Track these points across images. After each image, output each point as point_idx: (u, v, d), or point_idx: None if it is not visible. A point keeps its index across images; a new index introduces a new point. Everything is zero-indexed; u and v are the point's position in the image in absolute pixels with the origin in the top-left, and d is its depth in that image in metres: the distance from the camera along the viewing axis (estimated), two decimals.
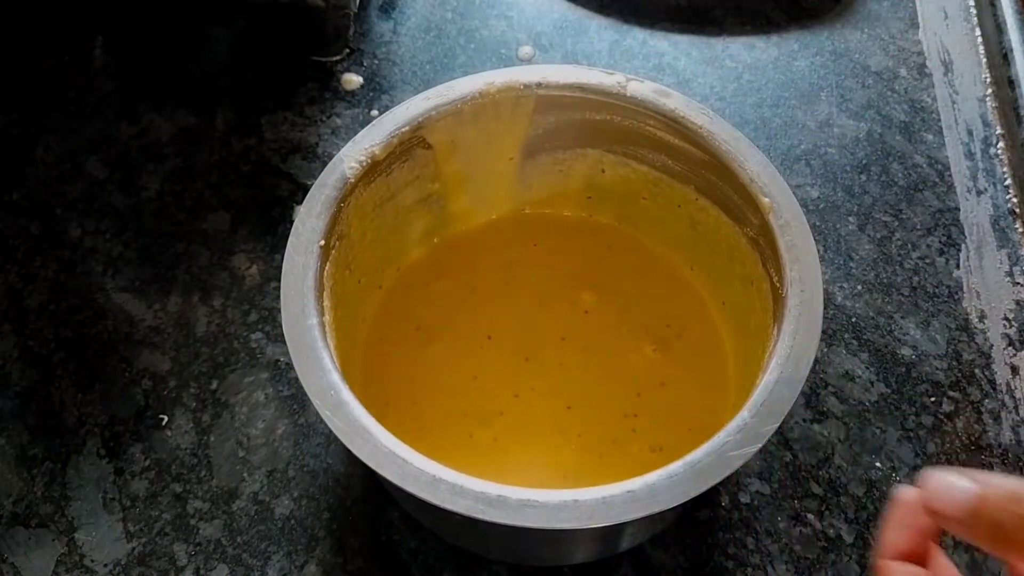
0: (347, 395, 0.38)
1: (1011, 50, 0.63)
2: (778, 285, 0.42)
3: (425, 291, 0.49)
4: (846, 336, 0.53)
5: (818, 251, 0.56)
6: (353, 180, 0.44)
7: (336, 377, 0.39)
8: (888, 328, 0.53)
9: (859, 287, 0.55)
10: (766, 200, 0.43)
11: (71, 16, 0.64)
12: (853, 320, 0.53)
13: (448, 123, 0.46)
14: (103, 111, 0.60)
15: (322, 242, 0.42)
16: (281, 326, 0.40)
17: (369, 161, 0.45)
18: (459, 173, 0.48)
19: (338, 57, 0.63)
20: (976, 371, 0.52)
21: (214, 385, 0.50)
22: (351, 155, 0.45)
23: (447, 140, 0.47)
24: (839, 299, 0.54)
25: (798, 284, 0.41)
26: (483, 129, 0.47)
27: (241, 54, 0.63)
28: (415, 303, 0.49)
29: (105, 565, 0.45)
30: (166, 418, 0.49)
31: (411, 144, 0.46)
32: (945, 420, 0.50)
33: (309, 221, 0.43)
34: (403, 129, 0.45)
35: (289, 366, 0.50)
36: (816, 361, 0.52)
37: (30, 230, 0.56)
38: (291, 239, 0.42)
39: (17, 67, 0.62)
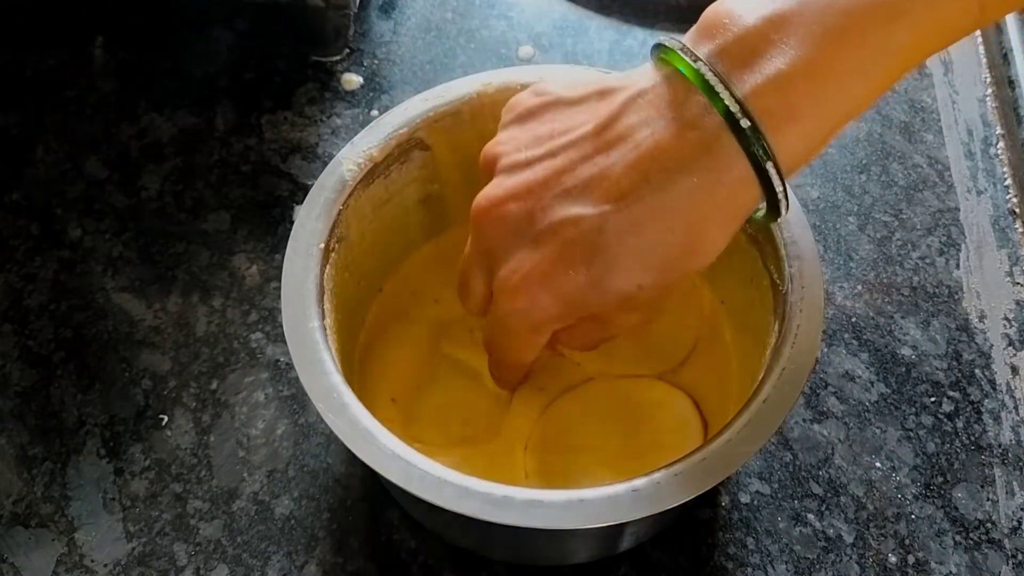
0: (350, 398, 0.38)
1: (1011, 50, 0.63)
2: (778, 282, 0.42)
3: (425, 293, 0.49)
4: (846, 336, 0.53)
5: (818, 251, 0.56)
6: (352, 182, 0.44)
7: (338, 380, 0.39)
8: (888, 328, 0.53)
9: (859, 287, 0.55)
10: None
11: (71, 16, 0.64)
12: (853, 320, 0.53)
13: (446, 124, 0.46)
14: (103, 111, 0.60)
15: (322, 245, 0.42)
16: (281, 326, 0.41)
17: (368, 163, 0.45)
18: (458, 174, 0.48)
19: (338, 57, 0.63)
20: (976, 371, 0.52)
21: (214, 385, 0.50)
22: (349, 157, 0.44)
23: (445, 141, 0.47)
24: (839, 299, 0.54)
25: (799, 280, 0.41)
26: (481, 130, 0.47)
27: (241, 54, 0.63)
28: (415, 305, 0.49)
29: (105, 565, 0.45)
30: (166, 418, 0.49)
31: (409, 146, 0.46)
32: (945, 420, 0.50)
33: (308, 224, 0.43)
34: (401, 131, 0.45)
35: (289, 366, 0.50)
36: (816, 361, 0.52)
37: (30, 230, 0.56)
38: (291, 242, 0.42)
39: (17, 67, 0.62)
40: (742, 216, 0.36)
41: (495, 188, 0.38)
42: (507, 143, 0.39)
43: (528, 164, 0.37)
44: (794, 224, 0.43)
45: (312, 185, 0.44)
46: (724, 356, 0.48)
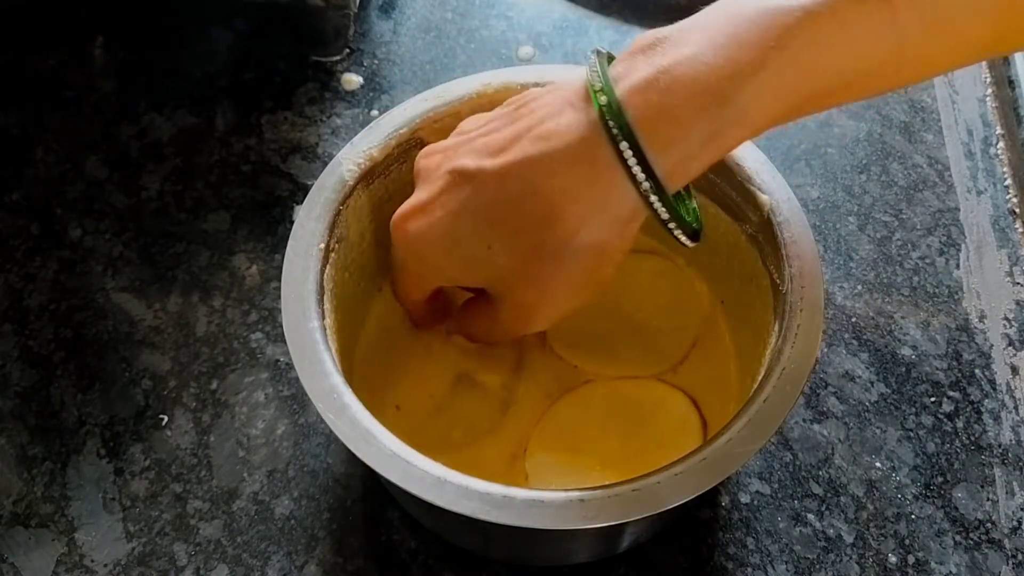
0: (350, 398, 0.38)
1: None
2: (778, 281, 0.42)
3: None
4: (846, 336, 0.53)
5: (818, 251, 0.56)
6: (351, 183, 0.44)
7: (339, 380, 0.39)
8: (888, 328, 0.53)
9: (859, 287, 0.55)
10: (765, 197, 0.43)
11: (71, 16, 0.64)
12: (853, 320, 0.53)
13: (446, 124, 0.46)
14: (103, 111, 0.60)
15: (322, 245, 0.42)
16: (281, 326, 0.41)
17: (367, 163, 0.45)
18: None
19: (338, 57, 0.63)
20: (976, 371, 0.52)
21: (214, 385, 0.50)
22: (349, 158, 0.45)
23: None
24: (839, 299, 0.54)
25: (799, 280, 0.41)
26: None
27: (241, 54, 0.63)
28: None
29: (105, 565, 0.45)
30: (166, 418, 0.49)
31: (409, 146, 0.46)
32: (945, 420, 0.50)
33: (308, 224, 0.43)
34: (401, 131, 0.45)
35: (289, 366, 0.50)
36: (816, 361, 0.52)
37: (30, 230, 0.56)
38: (291, 242, 0.42)
39: (17, 67, 0.62)
40: (613, 207, 0.36)
41: (435, 144, 0.42)
42: (476, 119, 0.42)
43: (466, 132, 0.40)
44: (794, 224, 0.43)
45: (312, 185, 0.44)
46: (723, 355, 0.48)
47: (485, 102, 0.46)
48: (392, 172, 0.46)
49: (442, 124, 0.46)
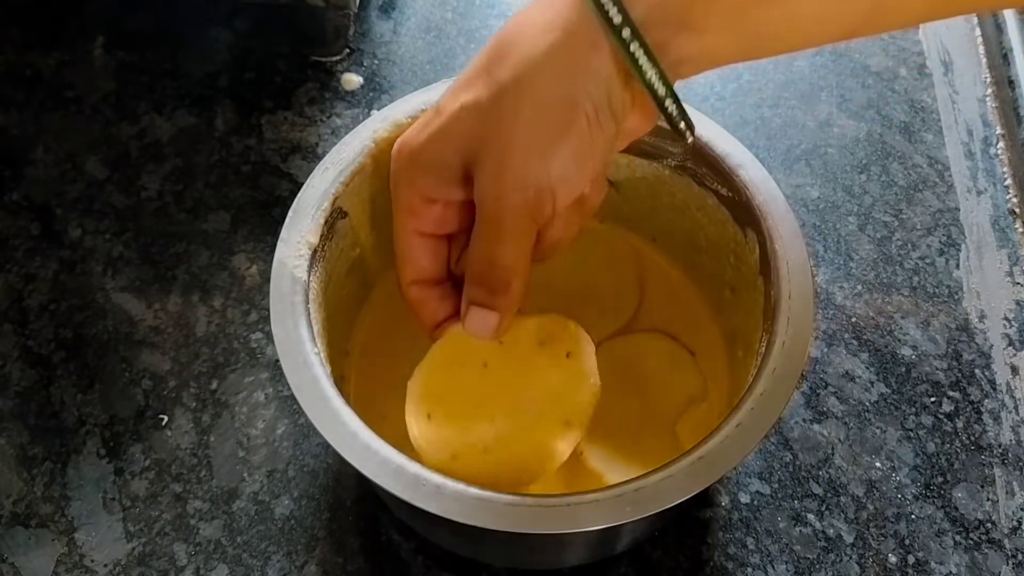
0: (365, 433, 0.38)
1: (1011, 50, 0.63)
2: (729, 194, 0.43)
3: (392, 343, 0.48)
4: (846, 336, 0.53)
5: (818, 251, 0.56)
6: (306, 277, 0.42)
7: (349, 414, 0.38)
8: (888, 328, 0.53)
9: (859, 287, 0.55)
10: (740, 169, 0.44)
11: (71, 16, 0.64)
12: (853, 320, 0.53)
13: (356, 185, 0.45)
14: (103, 111, 0.60)
15: (307, 345, 0.40)
16: None
17: (308, 251, 0.43)
18: (374, 236, 0.47)
19: (338, 57, 0.63)
20: (976, 371, 0.52)
21: (214, 385, 0.50)
22: (289, 256, 0.42)
23: (359, 204, 0.45)
24: (839, 299, 0.54)
25: (779, 238, 0.42)
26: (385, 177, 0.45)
27: (241, 54, 0.63)
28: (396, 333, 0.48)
29: (105, 565, 0.45)
30: (166, 418, 0.49)
31: (334, 218, 0.44)
32: (945, 420, 0.50)
33: (289, 333, 0.40)
34: (323, 207, 0.44)
35: None
36: (816, 361, 0.52)
37: (30, 230, 0.56)
38: (280, 352, 0.40)
39: (17, 67, 0.62)
40: (566, 23, 0.34)
41: None
42: None
43: None
44: (764, 190, 0.43)
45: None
46: (672, 287, 0.49)
47: (383, 147, 0.45)
48: (327, 251, 0.44)
49: (354, 186, 0.45)
